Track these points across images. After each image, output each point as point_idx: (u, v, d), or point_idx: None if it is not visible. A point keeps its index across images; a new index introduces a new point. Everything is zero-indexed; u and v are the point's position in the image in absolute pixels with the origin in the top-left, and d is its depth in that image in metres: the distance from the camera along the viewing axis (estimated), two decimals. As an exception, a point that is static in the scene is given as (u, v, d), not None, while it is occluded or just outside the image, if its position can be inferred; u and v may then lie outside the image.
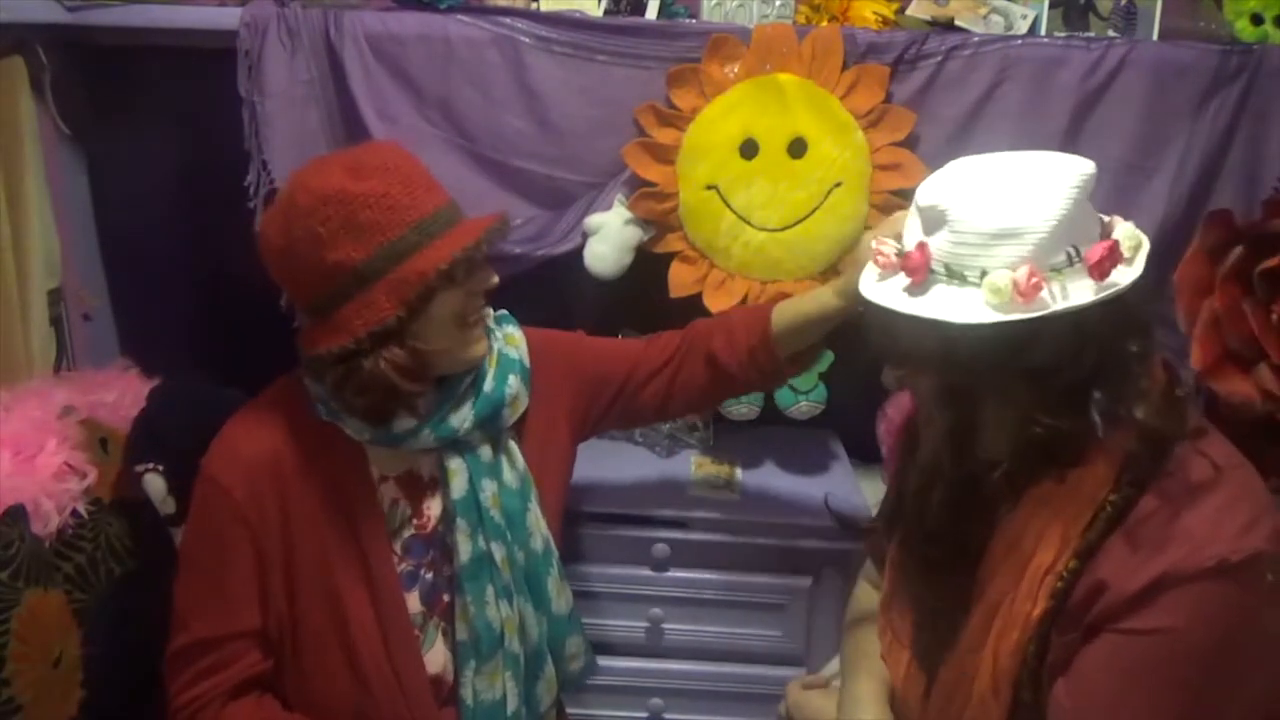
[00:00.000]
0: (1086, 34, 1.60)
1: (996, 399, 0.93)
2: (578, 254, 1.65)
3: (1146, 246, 0.92)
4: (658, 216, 1.64)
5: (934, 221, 0.91)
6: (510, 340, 1.27)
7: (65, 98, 1.72)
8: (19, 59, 1.60)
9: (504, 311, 1.31)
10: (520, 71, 1.59)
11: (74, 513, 1.36)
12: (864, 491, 1.74)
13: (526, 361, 1.28)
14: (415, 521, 1.22)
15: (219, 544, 1.13)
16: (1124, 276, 0.88)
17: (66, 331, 1.77)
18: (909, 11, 1.64)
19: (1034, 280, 0.84)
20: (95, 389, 1.53)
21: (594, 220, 1.64)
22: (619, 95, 1.60)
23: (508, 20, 1.58)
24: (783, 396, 1.74)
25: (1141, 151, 1.57)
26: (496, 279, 1.17)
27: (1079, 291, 0.87)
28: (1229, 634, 0.84)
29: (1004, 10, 1.61)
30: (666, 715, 1.71)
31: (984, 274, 0.87)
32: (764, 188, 1.60)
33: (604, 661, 1.51)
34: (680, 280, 1.67)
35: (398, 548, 1.20)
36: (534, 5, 1.63)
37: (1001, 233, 0.86)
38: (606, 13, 1.63)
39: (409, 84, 1.60)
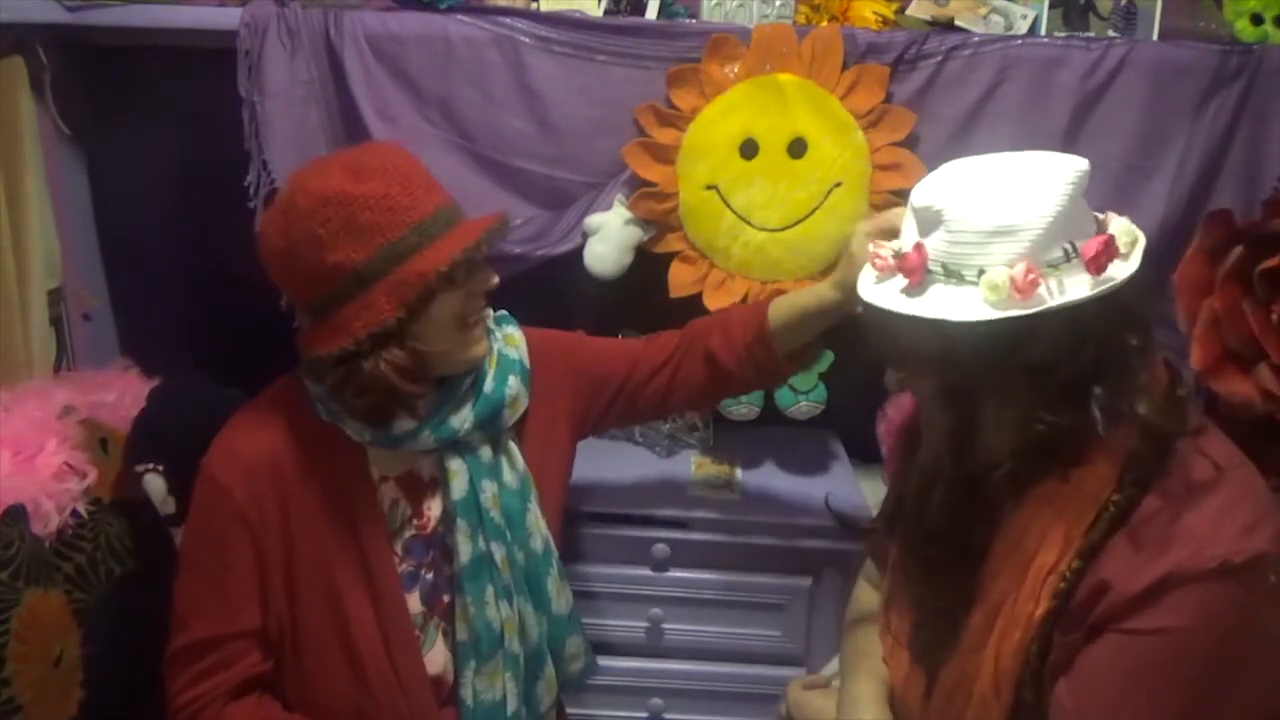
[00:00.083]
0: (1086, 34, 1.60)
1: (997, 398, 0.93)
2: (578, 254, 1.65)
3: (1143, 241, 0.92)
4: (658, 216, 1.64)
5: (930, 222, 0.91)
6: (510, 340, 1.27)
7: (65, 98, 1.72)
8: (19, 59, 1.60)
9: (504, 312, 1.31)
10: (520, 71, 1.59)
11: (74, 513, 1.36)
12: (864, 491, 1.74)
13: (526, 362, 1.28)
14: (415, 522, 1.22)
15: (219, 544, 1.13)
16: (1121, 271, 0.88)
17: (66, 331, 1.77)
18: (909, 11, 1.64)
19: (1031, 277, 0.85)
20: (95, 389, 1.53)
21: (594, 220, 1.64)
22: (619, 95, 1.60)
23: (508, 20, 1.58)
24: (783, 396, 1.74)
25: (1141, 151, 1.57)
26: (497, 280, 1.17)
27: (1076, 287, 0.87)
28: (1232, 634, 0.84)
29: (1004, 10, 1.61)
30: (666, 715, 1.71)
31: (981, 272, 0.87)
32: (764, 188, 1.60)
33: (604, 661, 1.51)
34: (680, 280, 1.67)
35: (398, 548, 1.20)
36: (534, 5, 1.63)
37: (998, 230, 0.87)
38: (606, 13, 1.63)
39: (409, 84, 1.60)
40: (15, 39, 1.60)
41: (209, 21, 1.56)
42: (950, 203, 0.89)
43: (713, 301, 1.65)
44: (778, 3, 1.63)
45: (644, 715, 1.71)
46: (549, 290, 1.62)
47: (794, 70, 1.57)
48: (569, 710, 1.49)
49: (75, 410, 1.44)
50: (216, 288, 1.77)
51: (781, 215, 1.61)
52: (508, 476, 1.23)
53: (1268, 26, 1.55)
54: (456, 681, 1.21)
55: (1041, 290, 0.86)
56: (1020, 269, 0.85)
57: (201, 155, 1.82)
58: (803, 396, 1.73)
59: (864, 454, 1.88)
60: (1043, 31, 1.61)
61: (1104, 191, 1.55)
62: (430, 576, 1.21)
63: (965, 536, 0.99)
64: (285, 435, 1.16)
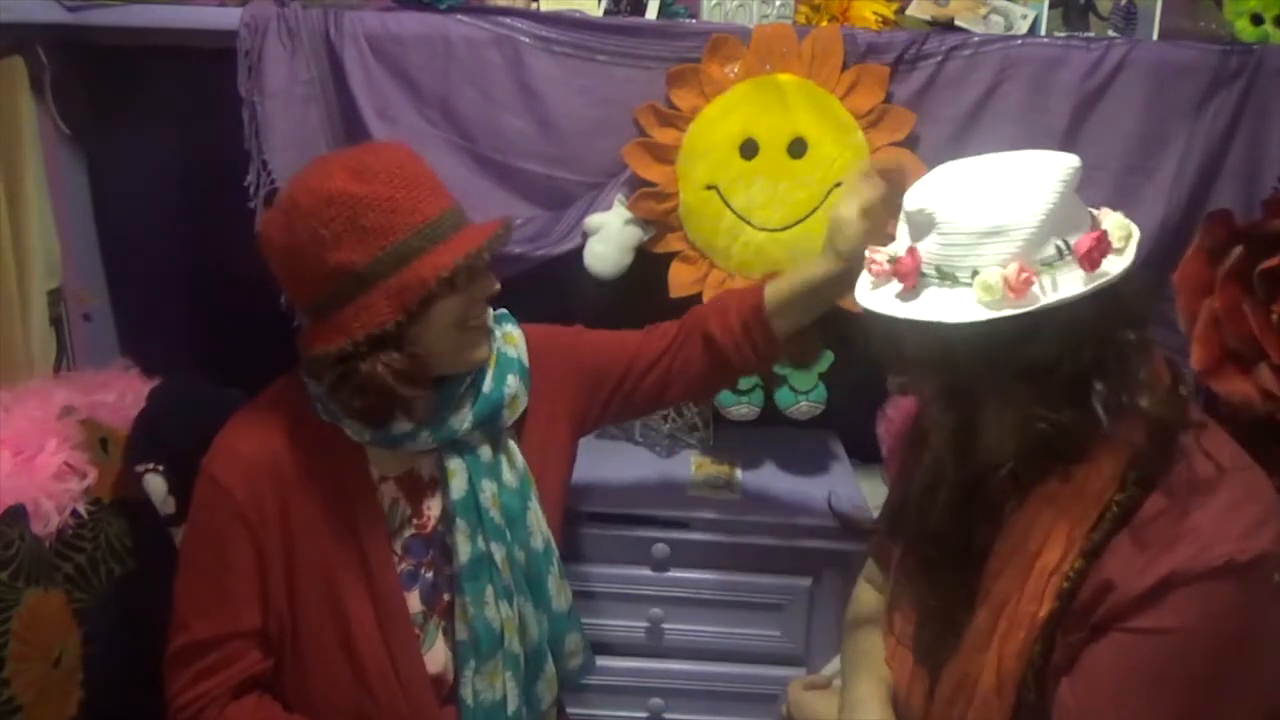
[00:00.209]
0: (1086, 34, 1.60)
1: (997, 398, 0.93)
2: (578, 254, 1.65)
3: (1137, 236, 0.92)
4: (658, 216, 1.64)
5: (922, 226, 0.91)
6: (509, 339, 1.27)
7: (65, 98, 1.72)
8: (19, 59, 1.60)
9: (503, 310, 1.31)
10: (520, 71, 1.59)
11: (74, 513, 1.36)
12: (864, 491, 1.74)
13: (525, 360, 1.28)
14: (415, 521, 1.22)
15: (219, 544, 1.13)
16: (1115, 266, 0.88)
17: (66, 331, 1.77)
18: (909, 11, 1.64)
19: (1024, 276, 0.85)
20: (95, 389, 1.53)
21: (594, 220, 1.64)
22: (619, 95, 1.60)
23: (508, 20, 1.58)
24: (783, 396, 1.74)
25: (1141, 151, 1.57)
26: (498, 286, 1.17)
27: (1070, 284, 0.87)
28: (1236, 633, 0.84)
29: (1004, 10, 1.61)
30: (666, 715, 1.71)
31: (975, 273, 0.87)
32: (764, 188, 1.60)
33: (604, 661, 1.51)
34: (680, 280, 1.67)
35: (398, 547, 1.20)
36: (534, 5, 1.63)
37: (990, 231, 0.87)
38: (606, 13, 1.63)
39: (409, 84, 1.60)
40: (15, 39, 1.60)
41: (209, 21, 1.56)
42: (942, 205, 0.90)
43: (712, 302, 1.65)
44: (778, 3, 1.63)
45: (644, 715, 1.71)
46: (549, 290, 1.62)
47: (794, 70, 1.57)
48: (569, 710, 1.49)
49: (75, 410, 1.44)
50: (216, 288, 1.77)
51: (781, 215, 1.61)
52: (507, 476, 1.23)
53: (1268, 26, 1.55)
54: (457, 680, 1.21)
55: (1035, 289, 0.86)
56: (1013, 268, 0.85)
57: (201, 155, 1.81)
58: (803, 396, 1.73)
59: (864, 454, 1.88)
60: (1043, 31, 1.61)
61: (1104, 191, 1.55)
62: (430, 576, 1.21)
63: (968, 536, 0.99)
64: (285, 435, 1.16)
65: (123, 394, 1.54)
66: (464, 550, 1.19)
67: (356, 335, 1.06)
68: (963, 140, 1.57)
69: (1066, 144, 1.55)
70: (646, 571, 1.65)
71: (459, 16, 1.57)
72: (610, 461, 1.79)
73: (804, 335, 1.36)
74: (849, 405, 1.78)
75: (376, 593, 1.16)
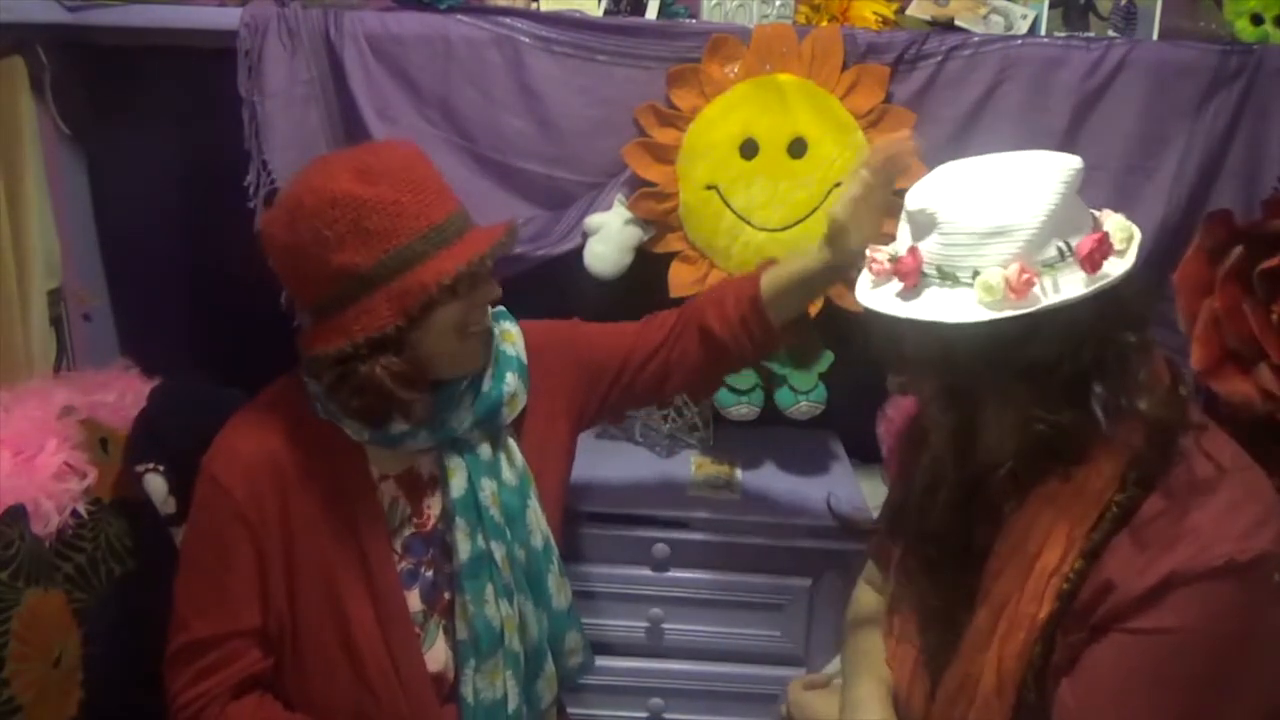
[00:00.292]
0: (1086, 34, 1.60)
1: (997, 399, 0.93)
2: (578, 254, 1.65)
3: (1138, 238, 0.92)
4: (658, 216, 1.64)
5: (924, 226, 0.91)
6: (507, 337, 1.27)
7: (65, 98, 1.72)
8: (19, 59, 1.60)
9: (501, 308, 1.31)
10: (520, 71, 1.59)
11: (74, 513, 1.36)
12: (864, 492, 1.74)
13: (524, 358, 1.27)
14: (415, 520, 1.22)
15: (220, 543, 1.13)
16: (1116, 268, 0.88)
17: (66, 331, 1.77)
18: (909, 11, 1.64)
19: (1025, 277, 0.85)
20: (95, 389, 1.53)
21: (594, 220, 1.64)
22: (619, 95, 1.60)
23: (508, 20, 1.58)
24: (783, 397, 1.74)
25: (1141, 151, 1.57)
26: (500, 292, 1.17)
27: (1071, 285, 0.87)
28: (1236, 633, 0.84)
29: (1004, 10, 1.61)
30: (666, 715, 1.71)
31: (976, 274, 0.87)
32: (764, 188, 1.60)
33: (604, 661, 1.51)
34: (680, 280, 1.67)
35: (398, 546, 1.20)
36: (534, 5, 1.63)
37: (991, 231, 0.87)
38: (606, 13, 1.63)
39: (409, 84, 1.60)
40: (15, 39, 1.60)
41: (209, 21, 1.56)
42: (943, 205, 0.90)
43: (713, 301, 1.65)
44: (778, 3, 1.63)
45: (644, 715, 1.71)
46: (549, 290, 1.62)
47: (794, 70, 1.57)
48: (569, 710, 1.49)
49: (75, 410, 1.44)
50: (216, 288, 1.77)
51: (781, 215, 1.61)
52: (506, 474, 1.23)
53: (1268, 26, 1.55)
54: (457, 679, 1.20)
55: (1036, 290, 0.86)
56: (1014, 269, 0.85)
57: (201, 155, 1.82)
58: (803, 396, 1.73)
59: (864, 454, 1.88)
60: (1043, 31, 1.61)
61: (1104, 191, 1.55)
62: (430, 574, 1.21)
63: (968, 537, 0.99)
64: (285, 434, 1.16)
65: (123, 394, 1.54)
66: (464, 549, 1.19)
67: (356, 337, 1.05)
68: (963, 140, 1.58)
69: (1066, 144, 1.55)
70: (646, 571, 1.65)
71: (459, 16, 1.58)
72: (610, 461, 1.79)
73: (800, 323, 1.36)
74: (849, 405, 1.78)
75: (376, 591, 1.16)
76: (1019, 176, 0.89)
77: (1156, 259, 1.54)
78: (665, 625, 1.67)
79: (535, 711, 1.28)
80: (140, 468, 1.43)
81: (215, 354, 1.63)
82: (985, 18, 1.61)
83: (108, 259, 1.91)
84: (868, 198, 1.19)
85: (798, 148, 1.59)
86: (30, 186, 1.61)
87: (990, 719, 0.94)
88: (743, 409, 1.76)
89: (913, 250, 0.92)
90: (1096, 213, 0.94)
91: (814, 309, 1.61)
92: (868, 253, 0.98)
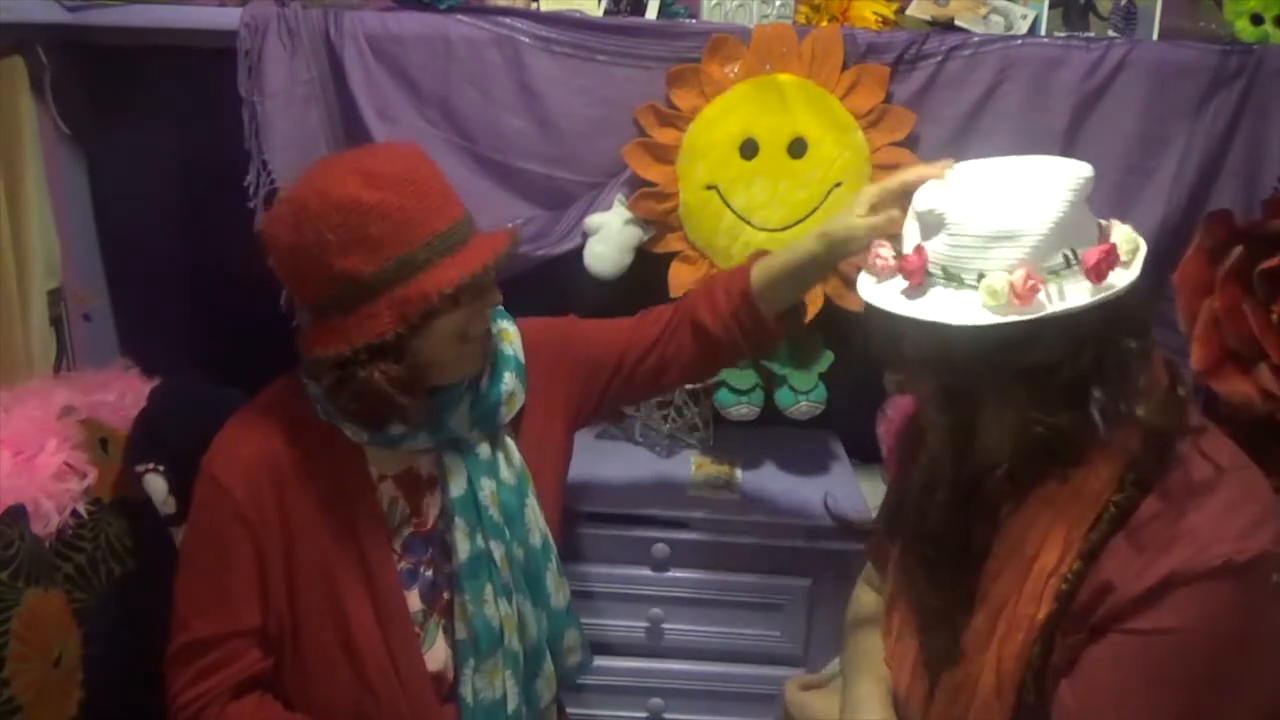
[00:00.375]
0: (1086, 34, 1.60)
1: (996, 401, 0.93)
2: (578, 254, 1.65)
3: (1144, 250, 0.92)
4: (658, 216, 1.64)
5: (932, 226, 0.91)
6: (505, 336, 1.27)
7: (65, 98, 1.72)
8: (19, 59, 1.60)
9: (498, 307, 1.30)
10: (520, 71, 1.59)
11: (74, 513, 1.36)
12: (864, 492, 1.74)
13: (521, 356, 1.27)
14: (414, 520, 1.22)
15: (220, 543, 1.13)
16: (1121, 279, 0.88)
17: (66, 331, 1.77)
18: (909, 11, 1.64)
19: (1031, 283, 0.85)
20: (95, 389, 1.53)
21: (594, 220, 1.64)
22: (619, 95, 1.60)
23: (508, 20, 1.58)
24: (783, 397, 1.74)
25: (1141, 151, 1.57)
26: (501, 298, 1.17)
27: (1076, 294, 0.87)
28: (1235, 633, 0.84)
29: (1004, 10, 1.61)
30: (666, 715, 1.71)
31: (981, 276, 0.87)
32: (764, 188, 1.60)
33: (604, 661, 1.51)
34: (680, 280, 1.67)
35: (397, 546, 1.20)
36: (534, 5, 1.63)
37: (998, 235, 0.87)
38: (606, 13, 1.63)
39: (409, 84, 1.60)
40: (15, 39, 1.60)
41: (209, 21, 1.56)
42: (952, 206, 0.90)
43: (713, 301, 1.65)
44: (778, 3, 1.63)
45: (644, 715, 1.71)
46: (549, 290, 1.62)
47: (794, 70, 1.57)
48: (569, 710, 1.49)
49: (75, 410, 1.44)
50: (216, 288, 1.77)
51: (782, 215, 1.61)
52: (505, 473, 1.23)
53: (1268, 26, 1.55)
54: (456, 679, 1.20)
55: (1041, 296, 0.86)
56: (1020, 275, 0.85)
57: (201, 155, 1.82)
58: (803, 396, 1.73)
59: (864, 454, 1.88)
60: (1043, 31, 1.61)
61: (1104, 192, 1.54)
62: (430, 574, 1.21)
63: (965, 537, 0.99)
64: (284, 435, 1.16)
65: (123, 394, 1.55)
66: (463, 548, 1.19)
67: (356, 343, 1.05)
68: (963, 140, 1.58)
69: (1066, 144, 1.55)
70: (646, 571, 1.66)
71: (459, 16, 1.58)
72: (610, 461, 1.79)
73: (793, 315, 1.34)
74: (849, 405, 1.78)
75: (376, 591, 1.16)
76: (1029, 182, 0.89)
77: (1156, 259, 1.52)
78: (665, 625, 1.67)
79: (534, 711, 1.28)
80: (140, 468, 1.43)
81: (215, 354, 1.62)
82: (985, 18, 1.61)
83: (108, 259, 1.91)
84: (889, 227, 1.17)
85: (798, 148, 1.59)
86: (30, 186, 1.61)
87: (990, 719, 0.94)
88: (743, 409, 1.76)
89: (919, 249, 0.92)
90: (1103, 222, 0.94)
91: (813, 310, 1.62)
92: (872, 248, 0.98)
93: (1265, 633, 0.84)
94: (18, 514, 1.27)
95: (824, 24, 1.61)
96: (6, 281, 1.57)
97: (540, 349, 1.30)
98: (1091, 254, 0.87)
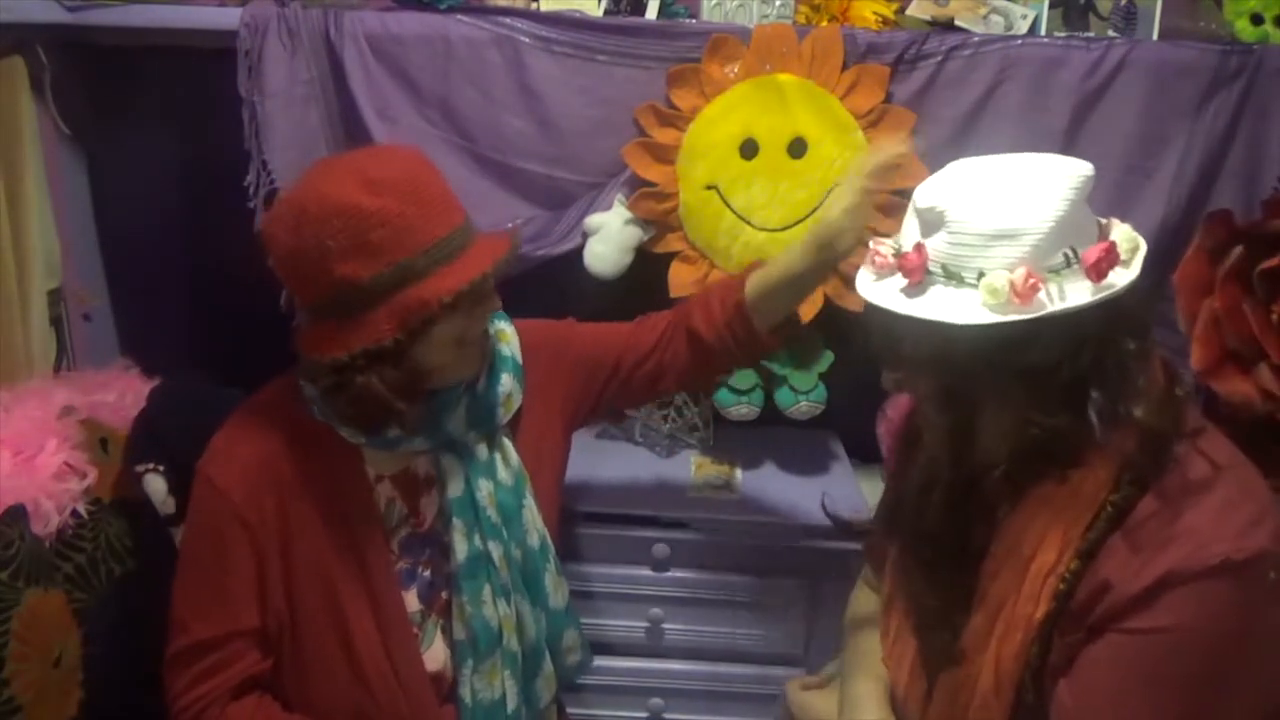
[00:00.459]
0: (1086, 34, 1.60)
1: (995, 401, 0.93)
2: (578, 254, 1.65)
3: (1144, 249, 0.92)
4: (658, 216, 1.64)
5: (932, 223, 0.91)
6: (502, 337, 1.27)
7: (65, 98, 1.72)
8: (19, 59, 1.60)
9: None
10: (520, 71, 1.59)
11: (74, 513, 1.36)
12: (864, 492, 1.74)
13: (519, 358, 1.27)
14: (412, 520, 1.21)
15: (217, 545, 1.13)
16: (1121, 278, 0.88)
17: (66, 331, 1.78)
18: (909, 11, 1.64)
19: (1031, 282, 0.85)
20: (95, 389, 1.53)
21: (594, 220, 1.64)
22: (619, 95, 1.60)
23: (508, 20, 1.58)
24: (783, 396, 1.74)
25: (1141, 151, 1.57)
26: (500, 303, 1.17)
27: (1076, 293, 0.87)
28: (1232, 632, 0.84)
29: (1004, 10, 1.61)
30: (666, 715, 1.71)
31: (981, 275, 0.87)
32: (764, 188, 1.60)
33: (604, 661, 1.51)
34: (680, 280, 1.67)
35: (395, 546, 1.20)
36: (534, 5, 1.63)
37: (999, 234, 0.87)
38: (606, 13, 1.63)
39: (409, 84, 1.60)
40: (15, 39, 1.60)
41: (209, 21, 1.56)
42: (953, 204, 0.89)
43: (713, 301, 1.65)
44: (778, 3, 1.63)
45: (644, 715, 1.71)
46: (549, 290, 1.62)
47: (794, 70, 1.57)
48: (569, 710, 1.49)
49: (75, 410, 1.44)
50: (216, 288, 1.77)
51: (782, 215, 1.61)
52: (503, 474, 1.23)
53: (1268, 26, 1.55)
54: (455, 679, 1.20)
55: (1041, 295, 0.86)
56: (1020, 274, 0.85)
57: (201, 155, 1.82)
58: (803, 396, 1.73)
59: (864, 454, 1.88)
60: (1043, 31, 1.61)
61: (1104, 191, 1.54)
62: (428, 574, 1.21)
63: (963, 538, 0.99)
64: (281, 436, 1.15)
65: (123, 394, 1.55)
66: (461, 549, 1.18)
67: (354, 349, 1.04)
68: (963, 140, 1.58)
69: (1066, 144, 1.55)
70: (646, 571, 1.66)
71: (459, 16, 1.58)
72: (610, 461, 1.79)
73: (788, 326, 1.35)
74: (849, 405, 1.78)
75: (374, 592, 1.16)
76: (1030, 180, 0.89)
77: (1157, 259, 1.53)
78: (665, 625, 1.67)
79: (534, 711, 1.28)
80: (140, 468, 1.44)
81: (215, 354, 1.63)
82: (985, 18, 1.61)
83: (108, 259, 1.91)
84: (864, 204, 1.19)
85: (798, 148, 1.59)
86: (30, 186, 1.61)
87: (989, 719, 0.94)
88: (743, 409, 1.76)
89: (919, 247, 0.92)
90: (1103, 221, 0.94)
91: (813, 310, 1.62)
92: (870, 245, 0.98)
93: (1263, 631, 0.85)
94: (18, 514, 1.27)
95: (824, 24, 1.61)
96: (6, 281, 1.57)
97: (538, 350, 1.30)
98: (1091, 253, 0.87)
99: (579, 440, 1.40)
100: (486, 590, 1.19)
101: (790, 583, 1.64)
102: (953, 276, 0.89)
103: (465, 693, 1.19)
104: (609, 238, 1.63)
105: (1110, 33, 1.61)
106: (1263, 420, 1.44)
